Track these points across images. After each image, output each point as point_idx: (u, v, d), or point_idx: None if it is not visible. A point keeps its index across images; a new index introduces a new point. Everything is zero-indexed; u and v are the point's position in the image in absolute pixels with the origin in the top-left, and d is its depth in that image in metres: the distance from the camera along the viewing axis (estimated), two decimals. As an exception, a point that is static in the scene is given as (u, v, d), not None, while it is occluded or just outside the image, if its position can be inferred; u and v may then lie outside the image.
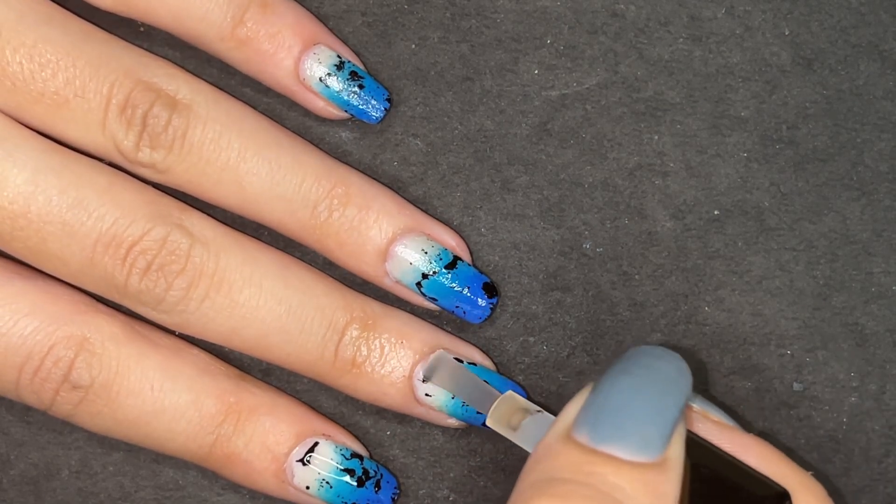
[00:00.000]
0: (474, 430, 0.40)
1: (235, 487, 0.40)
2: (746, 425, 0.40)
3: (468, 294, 0.39)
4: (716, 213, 0.41)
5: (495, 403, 0.37)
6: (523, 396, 0.39)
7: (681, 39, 0.41)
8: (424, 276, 0.39)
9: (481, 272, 0.40)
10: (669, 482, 0.31)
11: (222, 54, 0.39)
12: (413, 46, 0.41)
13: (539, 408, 0.36)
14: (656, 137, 0.41)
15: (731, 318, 0.41)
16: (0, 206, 0.37)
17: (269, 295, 0.38)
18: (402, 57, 0.41)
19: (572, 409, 0.33)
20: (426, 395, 0.38)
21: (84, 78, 0.37)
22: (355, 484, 0.38)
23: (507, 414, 0.36)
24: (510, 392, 0.37)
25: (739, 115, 0.41)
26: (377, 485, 0.39)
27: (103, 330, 0.38)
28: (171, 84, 0.38)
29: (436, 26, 0.41)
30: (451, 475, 0.40)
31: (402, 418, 0.40)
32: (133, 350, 0.38)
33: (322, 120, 0.41)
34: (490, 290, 0.39)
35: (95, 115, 0.37)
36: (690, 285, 0.40)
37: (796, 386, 0.40)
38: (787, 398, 0.40)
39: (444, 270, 0.39)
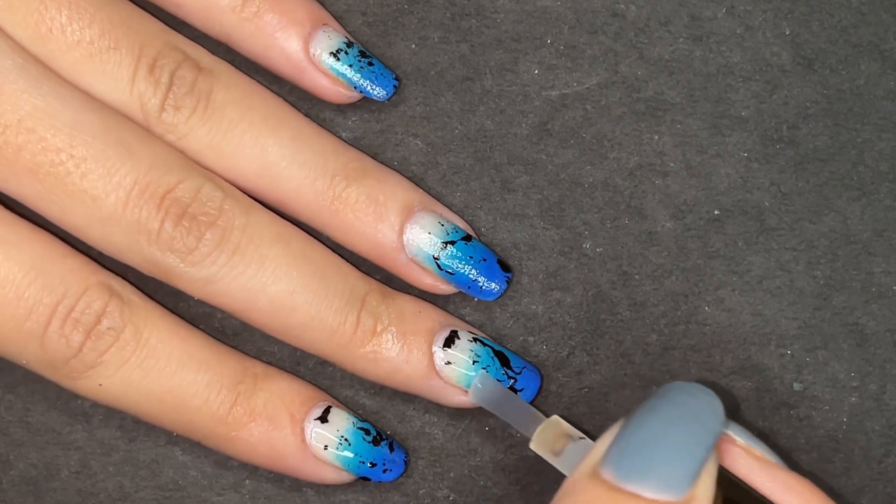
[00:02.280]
0: (474, 430, 0.40)
1: (235, 487, 0.40)
2: (747, 425, 0.40)
3: (485, 266, 0.39)
4: (716, 212, 0.41)
5: (540, 427, 0.37)
6: (540, 380, 0.39)
7: (681, 39, 0.41)
8: (443, 245, 0.39)
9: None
10: None
11: (232, 27, 0.39)
12: (413, 46, 0.41)
13: (582, 435, 0.37)
14: (656, 137, 0.41)
15: (731, 318, 0.40)
16: (43, 138, 0.36)
17: (299, 252, 0.38)
18: (402, 57, 0.41)
19: (602, 446, 0.33)
20: (447, 363, 0.38)
21: (118, 32, 0.37)
22: (371, 442, 0.38)
23: (551, 439, 0.37)
24: (555, 417, 0.37)
25: (740, 115, 0.41)
26: (391, 446, 0.39)
27: (126, 285, 0.38)
28: (195, 52, 0.38)
29: (436, 26, 0.41)
30: (451, 475, 0.40)
31: (402, 418, 0.40)
32: (155, 306, 0.38)
33: (323, 118, 0.41)
34: (504, 265, 0.40)
35: (126, 71, 0.37)
36: (690, 285, 0.40)
37: (796, 386, 0.40)
38: (787, 398, 0.40)
39: (461, 242, 0.39)
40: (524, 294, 0.40)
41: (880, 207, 0.41)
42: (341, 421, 0.38)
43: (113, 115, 0.37)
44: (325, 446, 0.38)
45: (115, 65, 0.37)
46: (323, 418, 0.38)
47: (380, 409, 0.40)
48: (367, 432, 0.39)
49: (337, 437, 0.38)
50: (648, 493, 0.31)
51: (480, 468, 0.40)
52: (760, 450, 0.35)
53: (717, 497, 0.33)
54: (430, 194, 0.41)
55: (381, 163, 0.41)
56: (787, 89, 0.41)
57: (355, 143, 0.41)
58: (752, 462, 0.34)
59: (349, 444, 0.38)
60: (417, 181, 0.41)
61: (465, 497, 0.40)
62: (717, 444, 0.33)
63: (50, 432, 0.40)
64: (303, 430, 0.38)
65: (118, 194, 0.37)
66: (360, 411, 0.40)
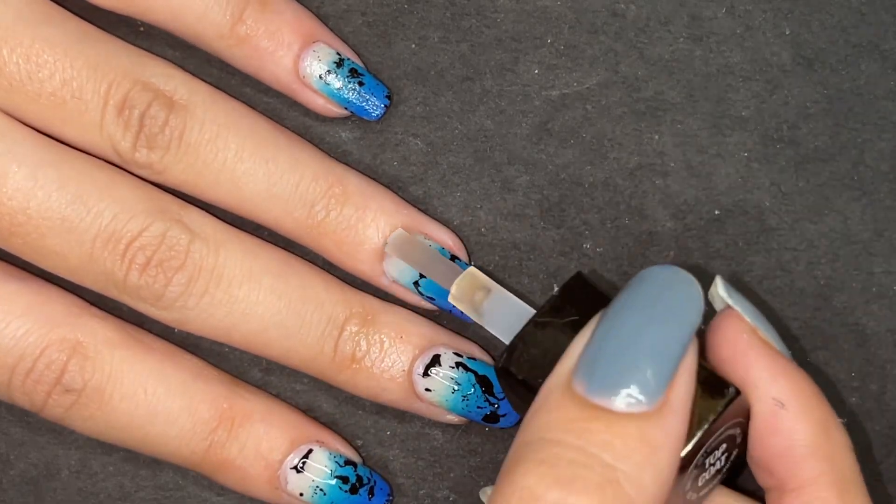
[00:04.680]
0: (474, 430, 0.40)
1: (236, 487, 0.40)
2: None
3: None
4: (716, 212, 0.41)
5: (458, 279, 0.37)
6: None
7: (681, 39, 0.41)
8: (422, 275, 0.39)
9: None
10: (668, 430, 0.30)
11: (221, 52, 0.39)
12: (413, 46, 0.41)
13: (500, 287, 0.36)
14: (657, 137, 0.41)
15: (732, 318, 0.40)
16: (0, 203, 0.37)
17: (269, 290, 0.38)
18: (402, 57, 0.41)
19: (575, 349, 0.31)
20: (426, 389, 0.38)
21: (81, 79, 0.37)
22: (349, 491, 0.38)
23: (469, 291, 0.36)
24: (472, 268, 0.37)
25: (740, 115, 0.41)
26: (371, 492, 0.39)
27: (97, 333, 0.38)
28: (169, 84, 0.38)
29: (436, 26, 0.41)
30: (451, 475, 0.40)
31: (401, 418, 0.40)
32: (126, 354, 0.38)
33: (322, 119, 0.41)
34: None
35: (93, 116, 0.37)
36: (691, 285, 0.40)
37: (797, 386, 0.40)
38: (788, 398, 0.40)
39: None
40: (524, 294, 0.40)
41: (880, 207, 0.41)
42: (318, 469, 0.38)
43: (73, 165, 0.37)
44: (301, 493, 0.38)
45: (81, 112, 0.37)
46: (300, 465, 0.38)
47: (380, 409, 0.40)
48: (346, 480, 0.38)
49: (312, 487, 0.38)
50: (618, 406, 0.30)
51: (480, 468, 0.40)
52: (767, 334, 0.34)
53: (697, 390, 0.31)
54: (429, 195, 0.41)
55: (381, 163, 0.41)
56: (787, 89, 0.41)
57: (355, 143, 0.41)
58: (752, 342, 0.33)
59: (324, 495, 0.38)
60: (417, 181, 0.41)
61: (465, 497, 0.40)
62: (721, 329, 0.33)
63: (50, 432, 0.40)
64: (278, 477, 0.38)
65: (81, 249, 0.37)
66: (360, 411, 0.40)
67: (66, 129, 0.38)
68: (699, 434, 0.31)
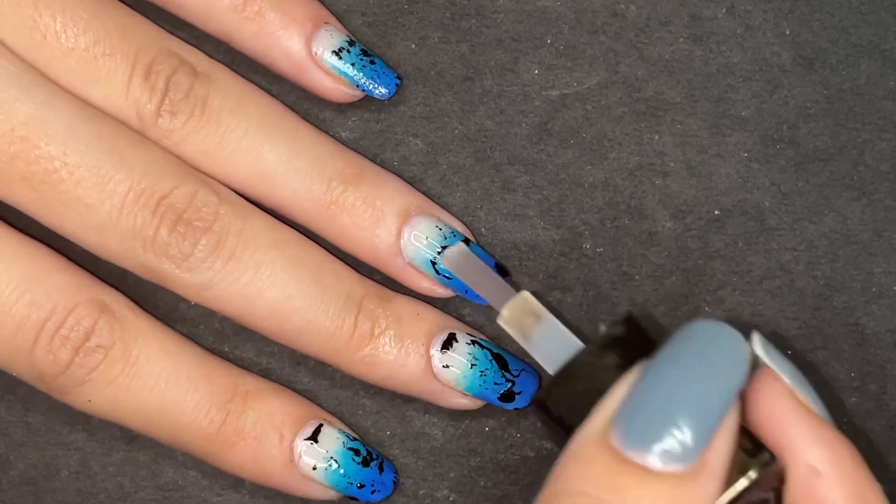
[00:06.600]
0: (474, 430, 0.40)
1: (235, 487, 0.40)
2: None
3: None
4: (716, 213, 0.41)
5: (510, 301, 0.35)
6: (539, 382, 0.39)
7: (681, 39, 0.41)
8: (441, 250, 0.39)
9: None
10: (700, 493, 0.29)
11: (232, 27, 0.39)
12: (413, 46, 0.41)
13: (551, 316, 0.35)
14: (657, 137, 0.41)
15: (732, 318, 0.40)
16: (36, 146, 0.36)
17: (293, 258, 0.38)
18: (402, 57, 0.41)
19: (615, 398, 0.31)
20: (444, 366, 0.38)
21: (113, 38, 0.37)
22: (361, 463, 0.38)
23: (520, 315, 0.35)
24: (525, 292, 0.36)
25: (740, 115, 0.41)
26: (380, 467, 0.39)
27: (120, 299, 0.38)
28: (193, 57, 0.38)
29: (436, 26, 0.41)
30: (451, 475, 0.40)
31: (401, 418, 0.40)
32: (148, 320, 0.38)
33: (323, 119, 0.41)
34: (502, 269, 0.40)
35: (121, 77, 0.38)
36: (691, 285, 0.40)
37: (797, 386, 0.40)
38: (788, 398, 0.40)
39: None
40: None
41: (880, 207, 0.41)
42: (331, 441, 0.38)
43: (107, 122, 0.37)
44: (314, 466, 0.38)
45: (110, 71, 0.37)
46: (313, 438, 0.38)
47: (380, 410, 0.40)
48: (357, 452, 0.39)
49: (325, 458, 0.38)
50: (655, 465, 0.29)
51: (480, 468, 0.40)
52: (806, 395, 0.33)
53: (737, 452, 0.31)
54: (429, 195, 0.41)
55: (381, 163, 0.41)
56: (787, 89, 0.41)
57: (355, 143, 0.41)
58: (791, 406, 0.32)
59: (338, 465, 0.38)
60: (417, 181, 0.41)
61: (465, 497, 0.40)
62: (755, 386, 0.32)
63: (50, 432, 0.40)
64: (291, 449, 0.38)
65: (112, 201, 0.37)
66: (359, 411, 0.40)
67: (93, 90, 0.37)
68: (728, 500, 0.31)
